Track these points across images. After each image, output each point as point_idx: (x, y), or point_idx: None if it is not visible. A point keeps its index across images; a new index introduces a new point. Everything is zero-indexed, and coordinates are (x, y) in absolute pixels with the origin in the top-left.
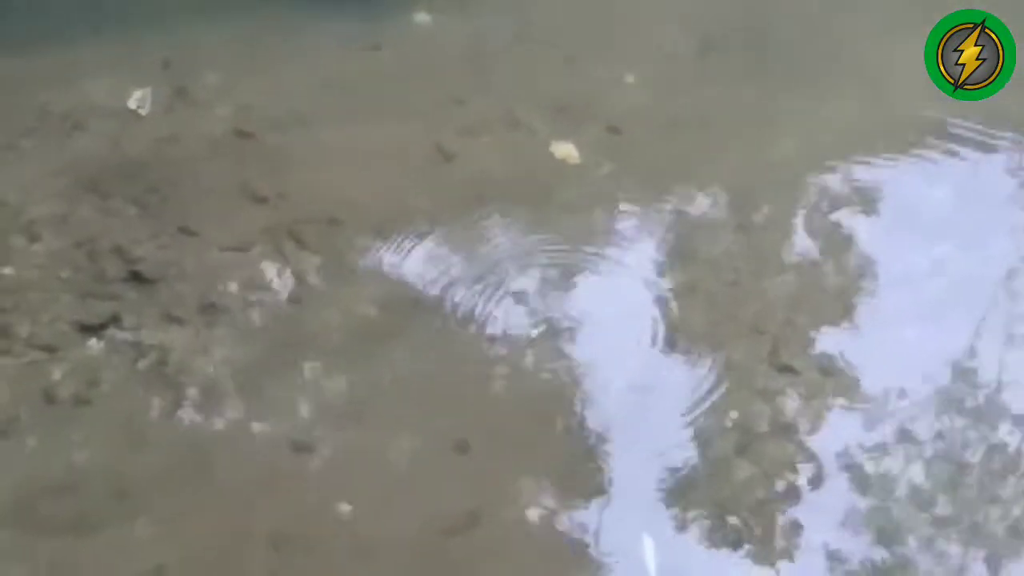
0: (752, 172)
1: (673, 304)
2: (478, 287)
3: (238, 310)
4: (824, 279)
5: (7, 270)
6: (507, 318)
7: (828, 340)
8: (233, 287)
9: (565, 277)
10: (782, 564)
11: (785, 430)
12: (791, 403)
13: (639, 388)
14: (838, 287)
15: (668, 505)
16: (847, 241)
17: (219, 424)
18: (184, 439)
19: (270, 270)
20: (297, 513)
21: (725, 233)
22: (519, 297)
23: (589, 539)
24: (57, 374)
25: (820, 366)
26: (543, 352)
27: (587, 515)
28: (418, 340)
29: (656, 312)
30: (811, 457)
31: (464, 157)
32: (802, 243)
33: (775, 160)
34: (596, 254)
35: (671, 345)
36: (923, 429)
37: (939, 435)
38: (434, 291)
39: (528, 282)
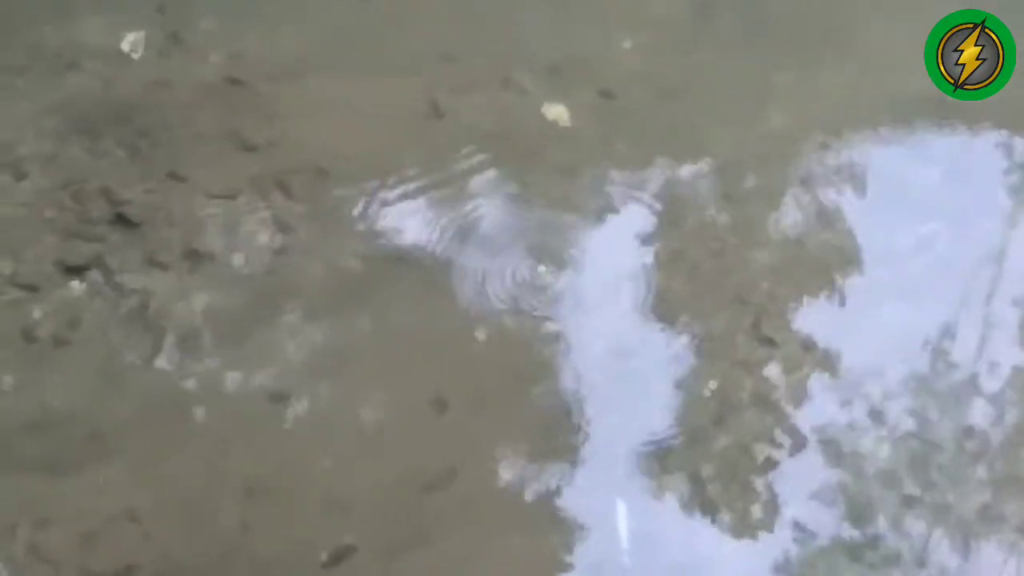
0: (742, 143)
1: (657, 271)
2: (463, 245)
3: (222, 257)
4: (809, 253)
5: None
6: (491, 277)
7: (810, 314)
8: (218, 234)
9: (551, 239)
10: (754, 535)
11: (763, 402)
12: (770, 375)
13: (620, 353)
14: (822, 261)
15: (644, 471)
16: (834, 216)
17: (198, 370)
18: (162, 384)
19: (256, 219)
20: (272, 463)
21: (712, 203)
22: (504, 257)
23: (563, 501)
24: (37, 313)
25: (801, 340)
26: (525, 313)
27: (562, 477)
28: (401, 295)
29: (640, 278)
30: (788, 430)
31: (455, 114)
32: (789, 216)
33: (765, 131)
34: (583, 217)
35: (653, 312)
36: (899, 407)
37: (914, 414)
38: (419, 247)
39: (513, 242)
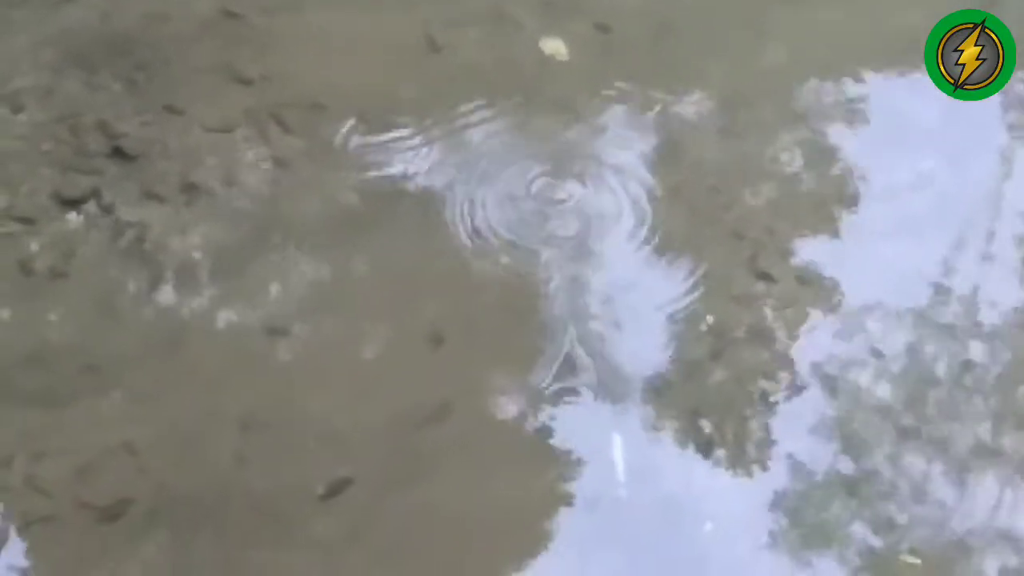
0: (740, 78)
1: (655, 205)
2: (460, 179)
3: (219, 191)
4: (806, 189)
5: None
6: (487, 212)
7: (807, 250)
8: (215, 168)
9: (547, 174)
10: (749, 470)
11: (760, 337)
12: (767, 310)
13: (617, 287)
14: (820, 197)
15: (639, 405)
16: (832, 152)
17: (194, 304)
18: (158, 318)
19: (253, 152)
20: (268, 397)
21: (710, 138)
22: (500, 191)
23: (559, 435)
24: (34, 246)
25: (798, 275)
26: (522, 247)
27: (558, 411)
28: (397, 230)
29: (637, 213)
30: (784, 365)
31: (451, 48)
32: (787, 152)
33: (764, 67)
34: (579, 152)
35: (651, 246)
36: (895, 343)
37: (911, 349)
38: (416, 181)
39: (510, 176)
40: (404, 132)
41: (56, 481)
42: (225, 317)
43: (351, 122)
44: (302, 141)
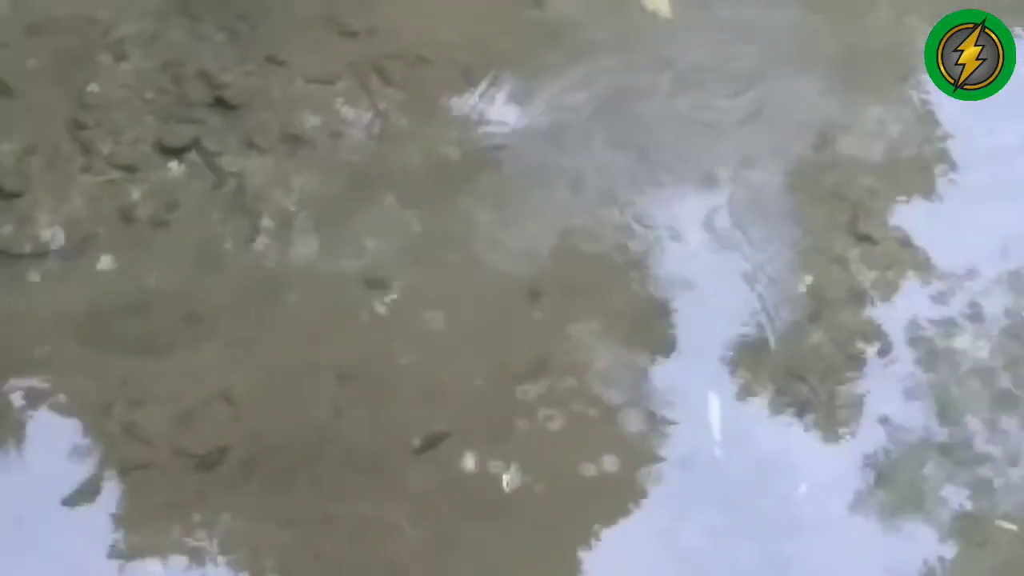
0: (847, 38)
1: (754, 166)
2: (561, 137)
3: (320, 143)
4: (909, 150)
5: (93, 87)
6: (589, 170)
7: (908, 212)
8: (316, 119)
9: (650, 135)
10: (843, 432)
11: (859, 298)
12: (867, 272)
13: (715, 246)
14: (922, 159)
15: (736, 365)
16: (936, 113)
17: (293, 255)
18: (258, 268)
19: (354, 104)
20: (365, 349)
21: (813, 98)
22: (602, 150)
23: (654, 394)
24: (136, 194)
25: (898, 237)
26: (622, 206)
27: (654, 370)
28: (498, 185)
29: (737, 173)
30: (882, 327)
31: (555, 3)
32: (891, 112)
33: (870, 26)
34: (680, 112)
35: (750, 206)
36: (994, 307)
37: (1008, 313)
38: (517, 137)
39: (613, 137)
40: (506, 86)
41: (154, 428)
42: (324, 268)
43: (453, 75)
44: (404, 94)
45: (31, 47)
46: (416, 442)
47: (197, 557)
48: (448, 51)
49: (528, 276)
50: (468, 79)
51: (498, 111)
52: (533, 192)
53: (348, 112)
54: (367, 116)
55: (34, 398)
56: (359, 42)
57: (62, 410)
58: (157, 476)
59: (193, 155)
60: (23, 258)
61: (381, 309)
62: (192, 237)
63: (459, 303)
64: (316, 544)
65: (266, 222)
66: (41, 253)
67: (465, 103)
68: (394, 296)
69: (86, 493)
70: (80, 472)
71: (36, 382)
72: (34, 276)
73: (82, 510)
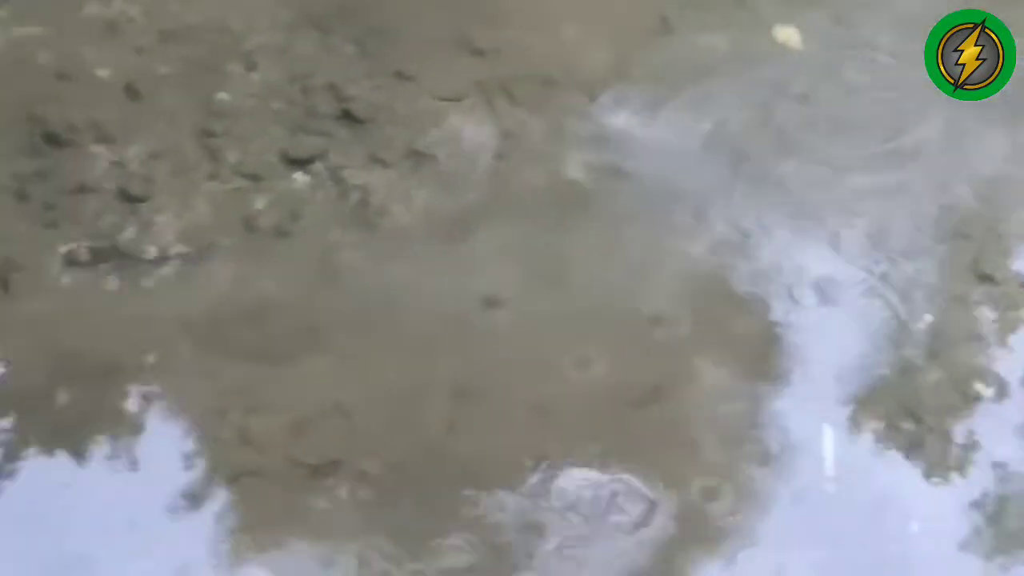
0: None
1: (878, 203)
2: (688, 163)
3: (444, 159)
4: None
5: (222, 95)
6: (712, 197)
7: None
8: (441, 136)
9: (777, 167)
10: (957, 472)
11: (978, 339)
12: (987, 313)
13: (835, 281)
14: None
15: (851, 399)
16: None
17: (413, 270)
18: (377, 281)
19: (480, 123)
20: (481, 367)
21: (939, 139)
22: (726, 178)
23: (769, 424)
24: (260, 203)
25: (1021, 279)
26: (744, 235)
27: (769, 400)
28: (622, 210)
29: (860, 210)
30: (1001, 368)
31: (685, 31)
32: (1016, 151)
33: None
34: (810, 145)
35: (871, 242)
36: None
37: None
38: (643, 162)
39: (738, 166)
40: (634, 111)
41: (268, 436)
42: (442, 284)
43: (580, 98)
44: (530, 114)
45: (163, 53)
46: (529, 461)
47: (303, 567)
48: (576, 73)
49: (649, 303)
50: (596, 103)
51: (624, 134)
52: (658, 218)
53: (473, 130)
54: (492, 135)
55: (149, 402)
56: (487, 61)
57: (176, 415)
58: (267, 483)
59: (318, 167)
60: (144, 262)
61: (498, 327)
62: (313, 248)
63: (576, 325)
64: (423, 560)
65: (387, 235)
66: (163, 258)
67: (591, 125)
68: (511, 315)
69: (197, 498)
70: (192, 477)
71: (152, 386)
72: (155, 281)
73: (192, 515)
